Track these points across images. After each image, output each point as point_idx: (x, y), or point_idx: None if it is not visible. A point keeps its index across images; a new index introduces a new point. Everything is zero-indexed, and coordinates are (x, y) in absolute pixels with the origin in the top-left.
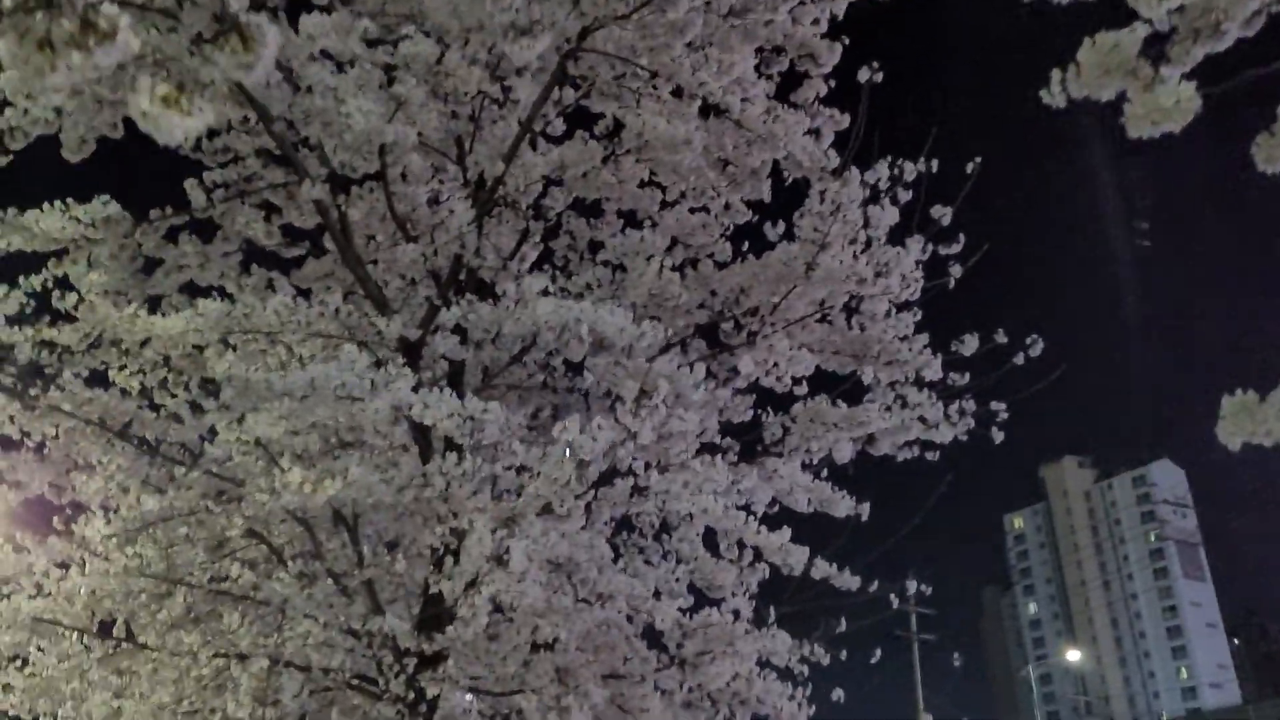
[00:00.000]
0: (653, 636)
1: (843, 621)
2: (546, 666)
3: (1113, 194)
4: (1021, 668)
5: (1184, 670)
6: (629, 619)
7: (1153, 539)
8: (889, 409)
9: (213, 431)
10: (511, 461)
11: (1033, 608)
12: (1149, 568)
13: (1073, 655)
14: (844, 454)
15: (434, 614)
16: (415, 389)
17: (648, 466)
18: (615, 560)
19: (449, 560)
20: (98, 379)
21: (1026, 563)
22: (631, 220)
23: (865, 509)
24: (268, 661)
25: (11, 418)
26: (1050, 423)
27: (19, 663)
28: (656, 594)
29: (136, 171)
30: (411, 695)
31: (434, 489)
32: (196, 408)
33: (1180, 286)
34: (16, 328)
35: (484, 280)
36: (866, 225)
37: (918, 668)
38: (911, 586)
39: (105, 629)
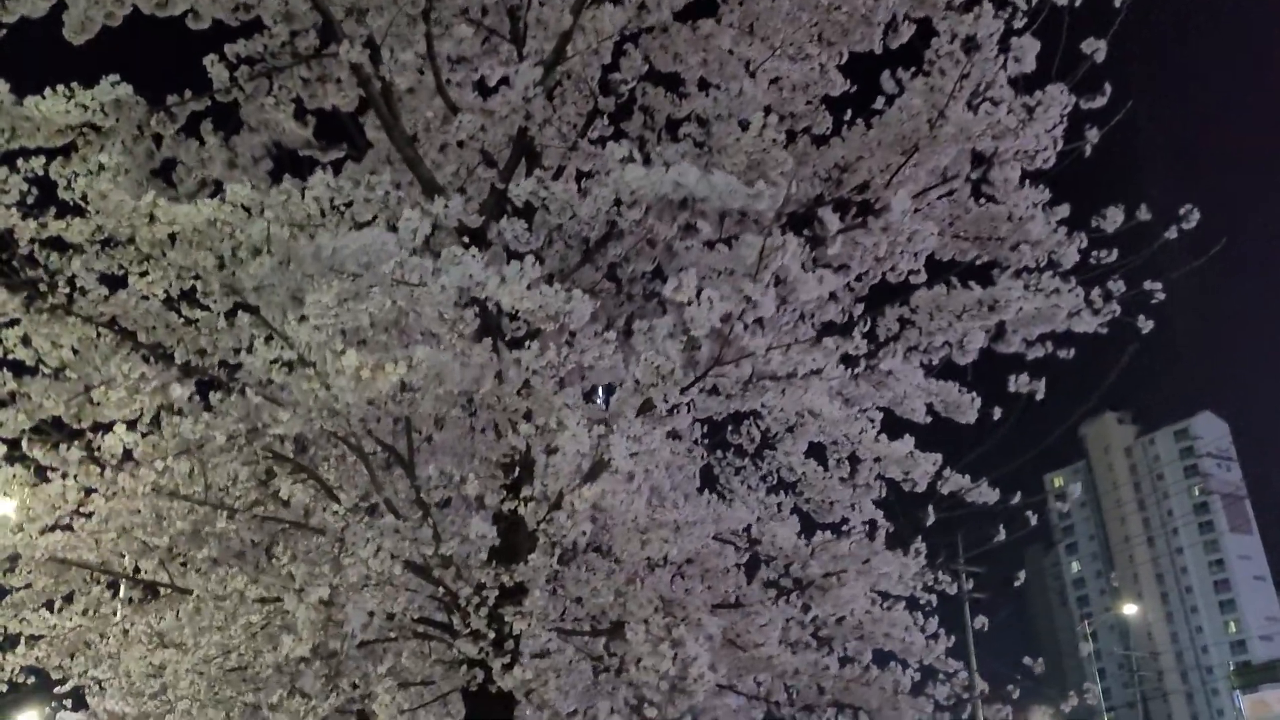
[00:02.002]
0: (751, 569)
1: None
2: (649, 595)
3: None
4: (1065, 626)
5: (1232, 624)
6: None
7: (1197, 493)
8: (1028, 289)
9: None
10: (603, 353)
11: (1076, 566)
12: (1194, 522)
13: (1130, 609)
14: (973, 346)
15: (509, 542)
16: None
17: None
18: (704, 489)
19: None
20: (115, 286)
21: (1069, 521)
22: None
23: (1039, 386)
24: (328, 590)
25: (15, 324)
26: (1090, 379)
27: (44, 610)
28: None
29: (149, 56)
30: (493, 633)
31: (512, 382)
32: (231, 315)
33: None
34: (17, 216)
35: (545, 168)
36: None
37: (970, 627)
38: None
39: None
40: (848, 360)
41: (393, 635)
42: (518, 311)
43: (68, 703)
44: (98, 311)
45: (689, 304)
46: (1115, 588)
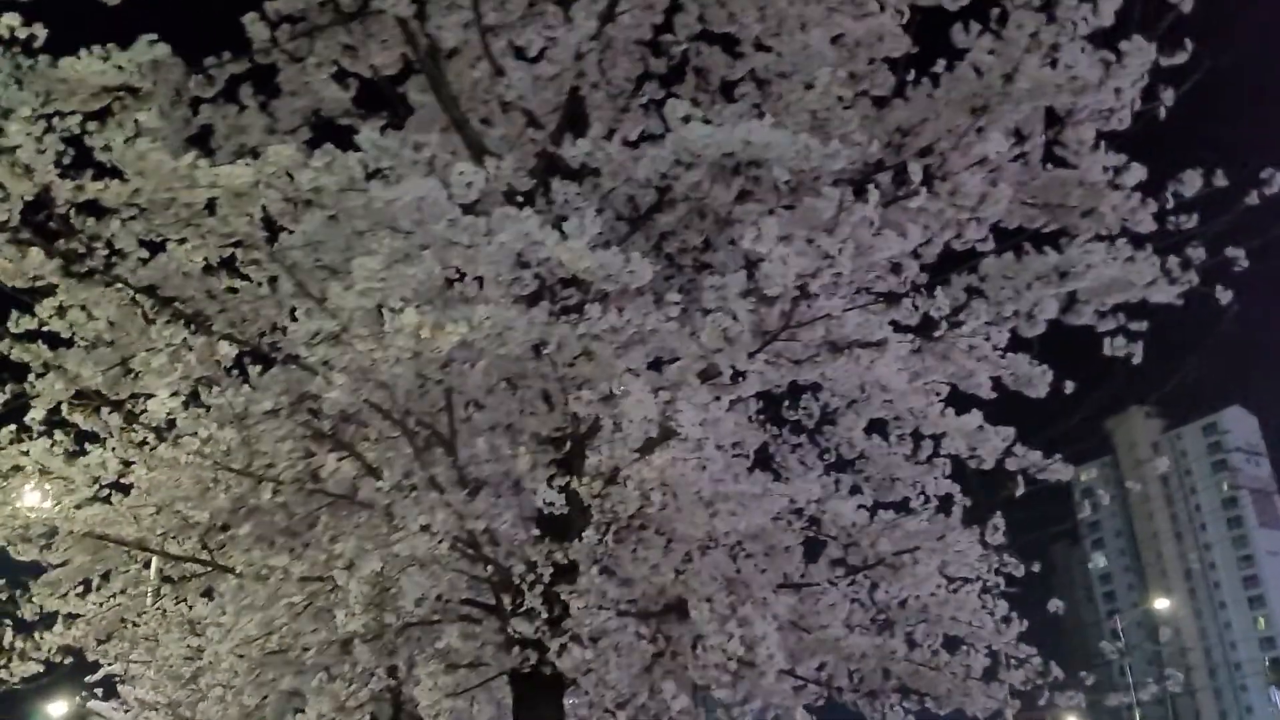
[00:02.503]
0: (810, 550)
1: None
2: (711, 572)
3: None
4: (1091, 621)
5: (1261, 620)
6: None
7: (1226, 488)
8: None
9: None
10: (666, 315)
11: (1102, 561)
12: (1222, 517)
13: (1162, 602)
14: (1044, 317)
15: (559, 520)
16: None
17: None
18: (755, 469)
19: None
20: (153, 255)
21: (1095, 516)
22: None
23: (1134, 350)
24: (381, 563)
25: (51, 293)
26: (1115, 373)
27: (81, 588)
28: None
29: (186, 17)
30: (547, 612)
31: (571, 347)
32: (273, 283)
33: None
34: (54, 172)
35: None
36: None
37: None
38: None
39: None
40: (921, 329)
41: (437, 618)
42: (573, 277)
43: (98, 691)
44: (137, 277)
45: (756, 264)
46: (1143, 584)
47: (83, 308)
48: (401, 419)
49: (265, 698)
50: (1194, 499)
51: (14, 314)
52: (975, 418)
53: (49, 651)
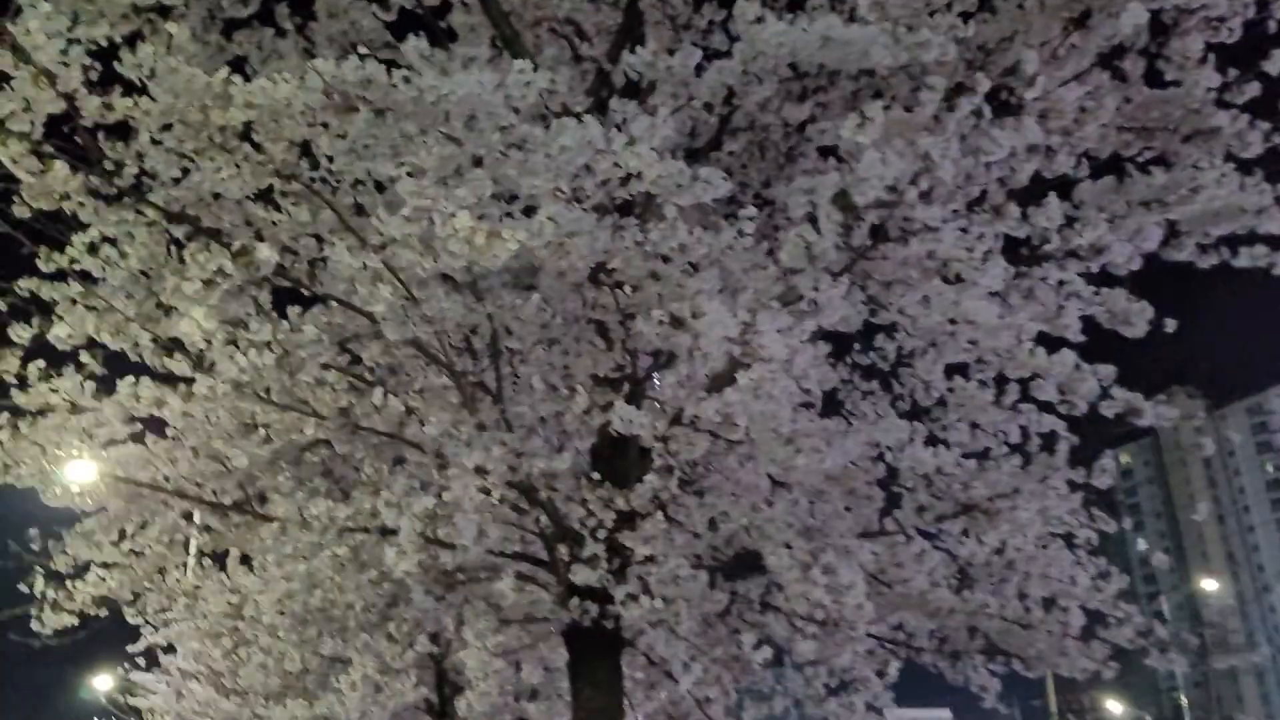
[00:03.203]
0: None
1: None
2: (786, 518)
3: None
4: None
5: None
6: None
7: (1270, 469)
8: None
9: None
10: (742, 230)
11: (1141, 544)
12: (1266, 500)
13: (1209, 584)
14: (1146, 248)
15: (616, 466)
16: None
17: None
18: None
19: (638, 395)
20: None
21: (1135, 499)
22: None
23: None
24: (433, 500)
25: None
26: (1157, 353)
27: (117, 537)
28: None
29: None
30: (610, 562)
31: (636, 268)
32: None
33: None
34: (79, 80)
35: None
36: None
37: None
38: None
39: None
40: (1021, 257)
41: (485, 575)
42: (637, 198)
43: (140, 660)
44: (168, 197)
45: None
46: (1184, 566)
47: (114, 243)
48: (448, 362)
49: (307, 666)
50: (1237, 481)
51: (44, 251)
52: (1070, 356)
53: (83, 602)
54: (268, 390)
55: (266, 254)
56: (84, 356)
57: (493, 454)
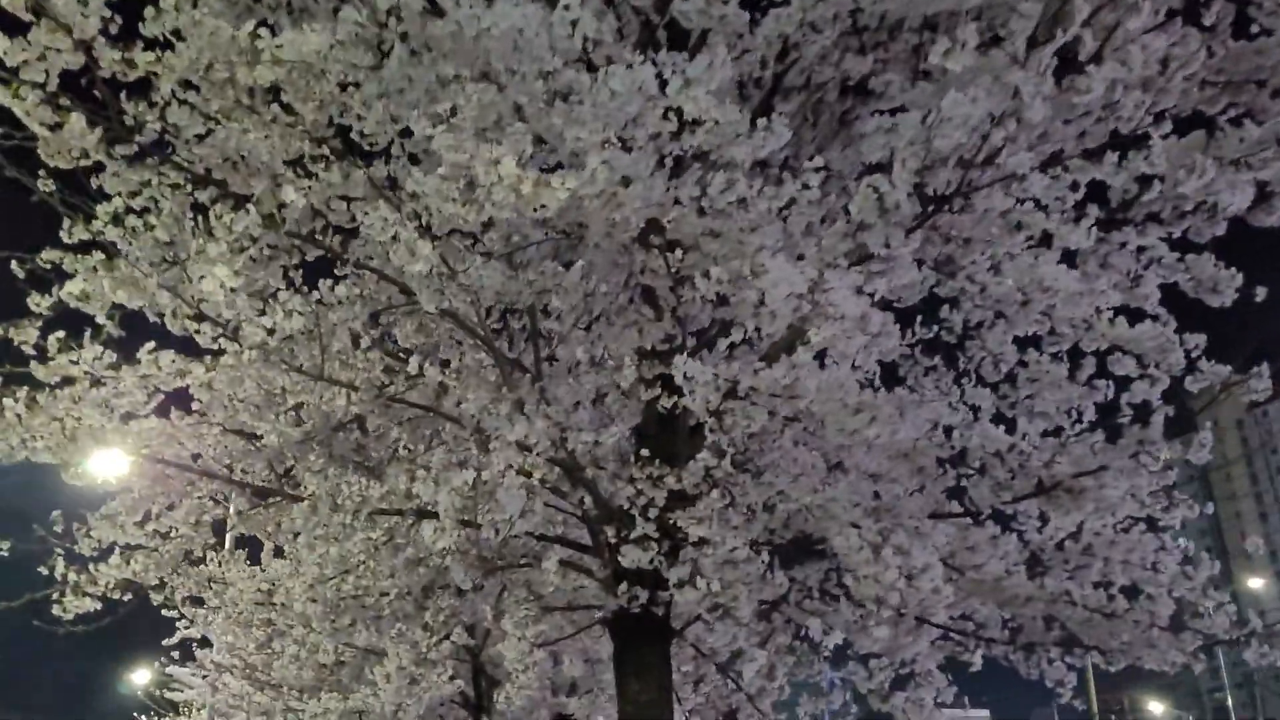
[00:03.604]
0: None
1: None
2: (851, 496)
3: None
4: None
5: None
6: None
7: None
8: None
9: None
10: (806, 183)
11: (1181, 542)
12: None
13: (1256, 582)
14: (1231, 211)
15: (663, 445)
16: None
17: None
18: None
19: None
20: None
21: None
22: None
23: None
24: (474, 473)
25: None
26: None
27: (141, 518)
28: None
29: None
30: (661, 545)
31: (691, 224)
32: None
33: None
34: (96, 26)
35: None
36: None
37: None
38: None
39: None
40: (1099, 221)
41: (525, 561)
42: (691, 153)
43: (175, 655)
44: (194, 156)
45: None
46: (1226, 565)
47: (140, 213)
48: (485, 337)
49: (341, 659)
50: None
51: (67, 222)
52: (1154, 326)
53: (106, 586)
54: (298, 363)
55: (294, 196)
56: (101, 319)
57: (536, 427)
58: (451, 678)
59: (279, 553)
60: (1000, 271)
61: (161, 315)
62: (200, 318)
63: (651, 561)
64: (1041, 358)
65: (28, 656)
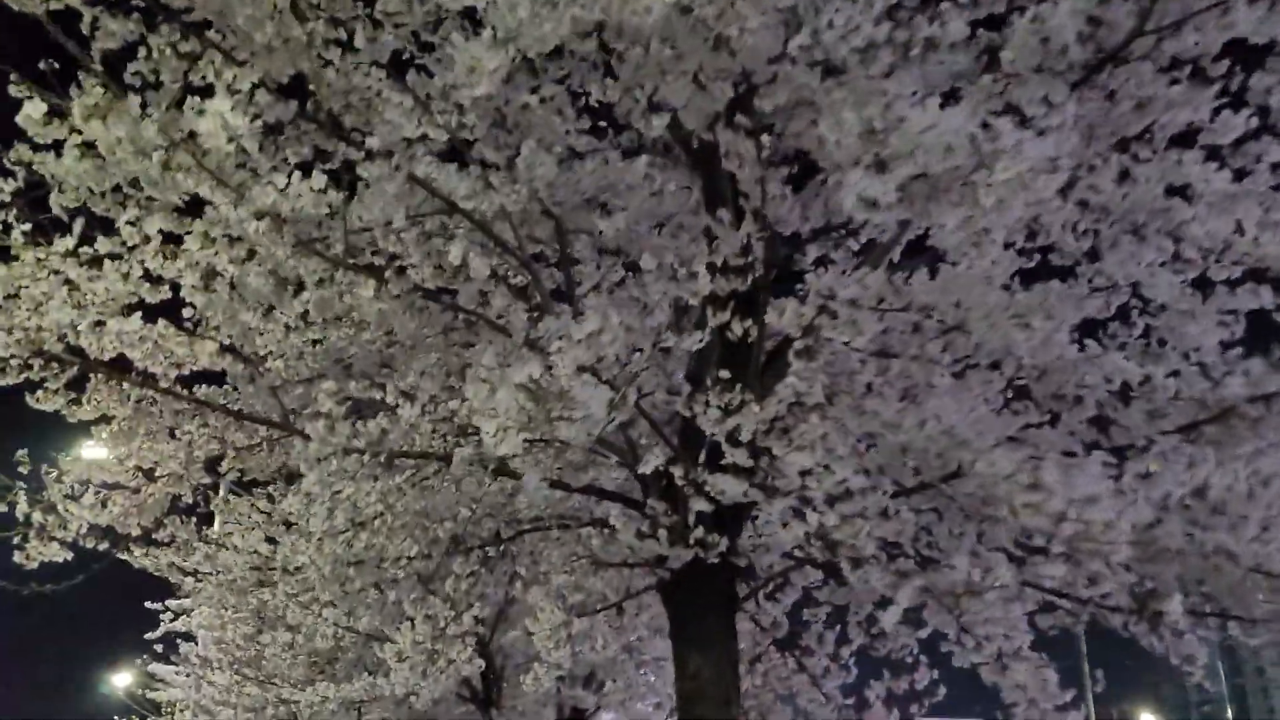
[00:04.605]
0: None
1: None
2: (978, 423)
3: None
4: None
5: None
6: None
7: None
8: None
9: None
10: (945, 20)
11: None
12: None
13: None
14: None
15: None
16: None
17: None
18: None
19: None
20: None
21: None
22: None
23: None
24: (539, 368)
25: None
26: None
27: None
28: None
29: None
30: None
31: (799, 76)
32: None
33: None
34: None
35: None
36: None
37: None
38: None
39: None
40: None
41: (566, 523)
42: None
43: (159, 648)
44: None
45: None
46: None
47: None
48: (524, 255)
49: (340, 643)
50: None
51: (43, 120)
52: None
53: (78, 531)
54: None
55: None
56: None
57: (611, 321)
58: (470, 657)
59: (287, 524)
60: (1131, 176)
61: (154, 185)
62: (199, 168)
63: (745, 494)
64: (1174, 279)
65: (2, 657)
